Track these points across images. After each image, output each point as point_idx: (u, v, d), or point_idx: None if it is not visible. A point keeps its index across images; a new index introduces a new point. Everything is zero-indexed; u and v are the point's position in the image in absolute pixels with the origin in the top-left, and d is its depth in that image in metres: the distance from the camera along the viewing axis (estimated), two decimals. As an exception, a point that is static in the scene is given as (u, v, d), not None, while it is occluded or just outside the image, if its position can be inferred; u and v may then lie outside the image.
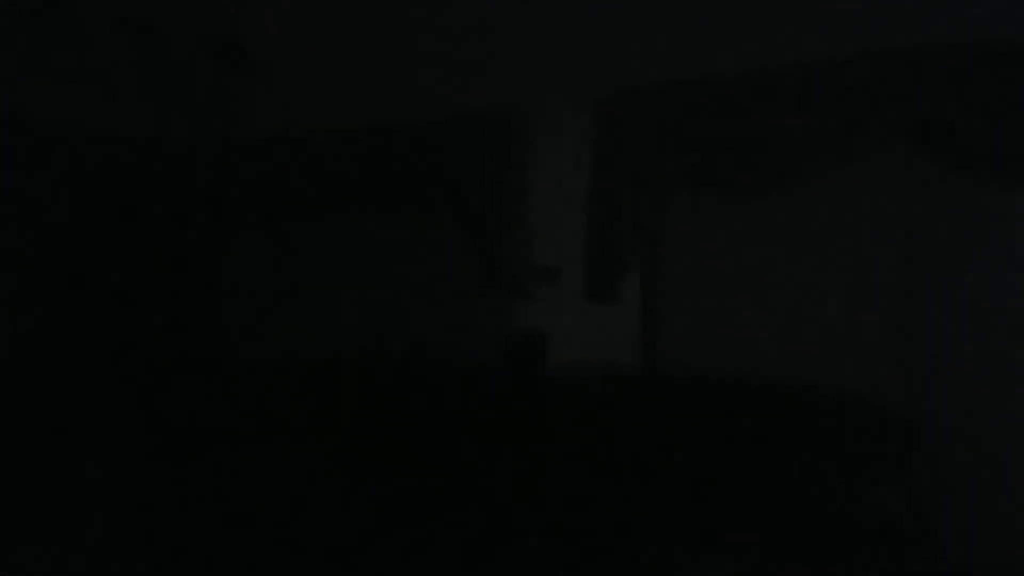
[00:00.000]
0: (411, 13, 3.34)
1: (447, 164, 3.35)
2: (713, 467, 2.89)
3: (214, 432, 3.20)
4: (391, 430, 3.17)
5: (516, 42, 3.20)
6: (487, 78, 3.31)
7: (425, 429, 3.14)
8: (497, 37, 3.21)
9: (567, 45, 3.17)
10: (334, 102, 3.54)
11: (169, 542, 2.89)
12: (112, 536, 2.93)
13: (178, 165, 3.83)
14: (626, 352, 3.14)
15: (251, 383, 3.38)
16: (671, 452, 2.98)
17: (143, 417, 3.39)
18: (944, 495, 2.62)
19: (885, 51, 2.76)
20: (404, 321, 3.39)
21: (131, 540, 2.92)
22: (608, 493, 2.92)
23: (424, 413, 3.16)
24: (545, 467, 3.03)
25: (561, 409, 3.09)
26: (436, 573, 2.72)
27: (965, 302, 2.72)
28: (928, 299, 2.75)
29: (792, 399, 2.91)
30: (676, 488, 2.87)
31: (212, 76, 3.34)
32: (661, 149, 3.05)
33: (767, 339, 2.98)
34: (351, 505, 2.95)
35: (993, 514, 2.63)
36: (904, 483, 2.60)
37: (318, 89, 3.55)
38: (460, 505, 2.94)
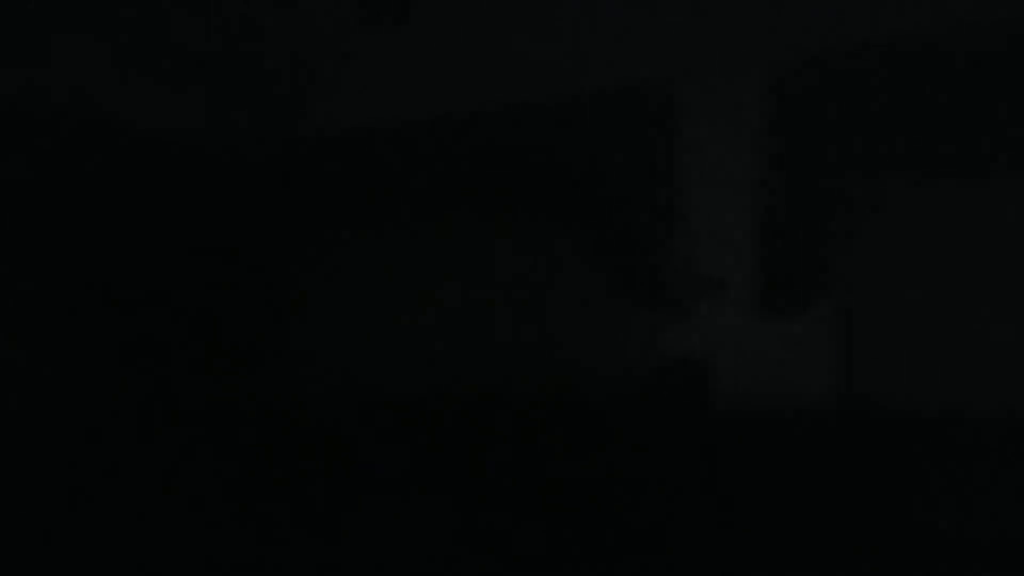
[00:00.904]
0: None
1: (578, 150, 2.78)
2: (939, 522, 2.42)
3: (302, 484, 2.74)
4: (512, 487, 2.67)
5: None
6: (628, 40, 2.74)
7: (555, 482, 2.65)
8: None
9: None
10: (436, 81, 2.98)
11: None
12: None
13: (250, 161, 3.36)
14: (815, 382, 2.59)
15: (330, 422, 2.90)
16: (881, 506, 2.47)
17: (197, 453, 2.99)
18: None
19: None
20: (524, 348, 2.87)
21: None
22: (799, 551, 2.45)
23: (554, 462, 2.67)
24: (709, 524, 2.53)
25: (731, 455, 2.58)
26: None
27: None
28: None
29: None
30: (888, 548, 2.40)
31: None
32: (864, 126, 2.48)
33: (1006, 365, 2.42)
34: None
35: None
36: None
37: (414, 66, 2.99)
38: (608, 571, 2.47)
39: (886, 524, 2.45)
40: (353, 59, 2.97)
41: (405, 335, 3.05)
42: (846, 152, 2.54)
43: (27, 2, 2.46)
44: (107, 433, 2.93)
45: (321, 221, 3.23)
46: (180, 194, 3.26)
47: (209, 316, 3.29)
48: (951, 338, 2.53)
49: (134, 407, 3.03)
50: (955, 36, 2.40)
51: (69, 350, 2.80)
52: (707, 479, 2.59)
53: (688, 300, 2.69)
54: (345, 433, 2.90)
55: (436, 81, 3.04)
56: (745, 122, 2.62)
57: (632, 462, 2.62)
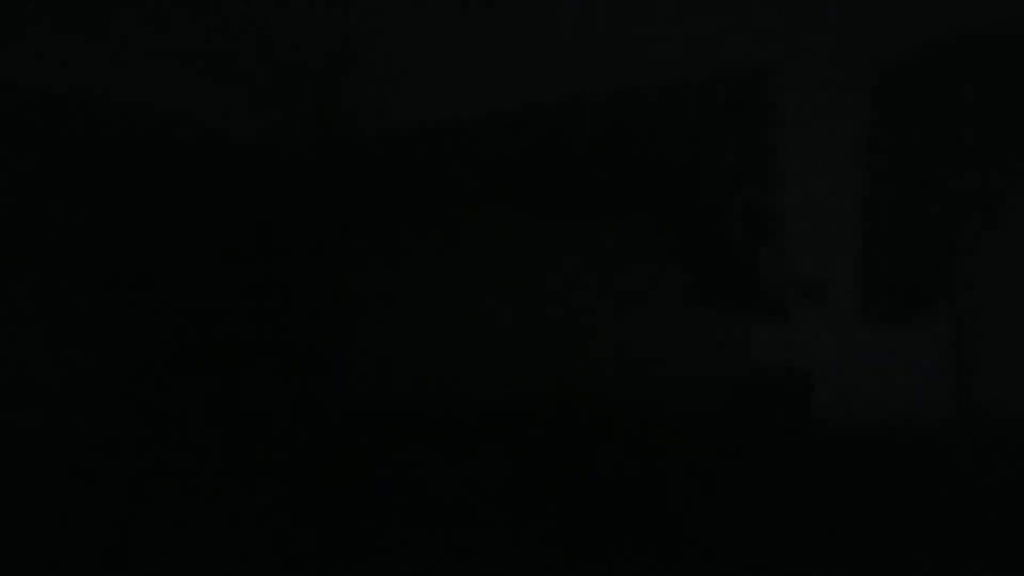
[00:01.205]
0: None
1: (674, 148, 2.64)
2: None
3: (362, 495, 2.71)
4: (598, 498, 2.57)
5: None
6: (726, 28, 2.59)
7: (645, 493, 2.54)
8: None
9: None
10: (509, 68, 2.88)
11: None
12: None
13: (305, 162, 3.35)
14: (925, 393, 2.39)
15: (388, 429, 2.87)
16: (998, 525, 2.26)
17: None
18: None
19: None
20: (613, 353, 2.75)
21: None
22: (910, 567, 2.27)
23: (643, 473, 2.55)
24: (814, 543, 2.37)
25: (834, 468, 2.41)
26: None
27: None
28: None
29: None
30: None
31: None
32: (984, 122, 2.27)
33: None
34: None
35: None
36: None
37: (487, 54, 2.89)
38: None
39: (1005, 543, 2.25)
40: (445, 52, 2.91)
41: (501, 338, 2.99)
42: (962, 150, 2.35)
43: None
44: (119, 430, 2.96)
45: (407, 218, 3.20)
46: (244, 193, 3.26)
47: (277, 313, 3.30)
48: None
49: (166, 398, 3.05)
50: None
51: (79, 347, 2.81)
52: (808, 491, 2.43)
53: (787, 304, 2.53)
54: (447, 434, 2.86)
55: (526, 75, 2.97)
56: (851, 117, 2.46)
57: (728, 472, 2.48)
